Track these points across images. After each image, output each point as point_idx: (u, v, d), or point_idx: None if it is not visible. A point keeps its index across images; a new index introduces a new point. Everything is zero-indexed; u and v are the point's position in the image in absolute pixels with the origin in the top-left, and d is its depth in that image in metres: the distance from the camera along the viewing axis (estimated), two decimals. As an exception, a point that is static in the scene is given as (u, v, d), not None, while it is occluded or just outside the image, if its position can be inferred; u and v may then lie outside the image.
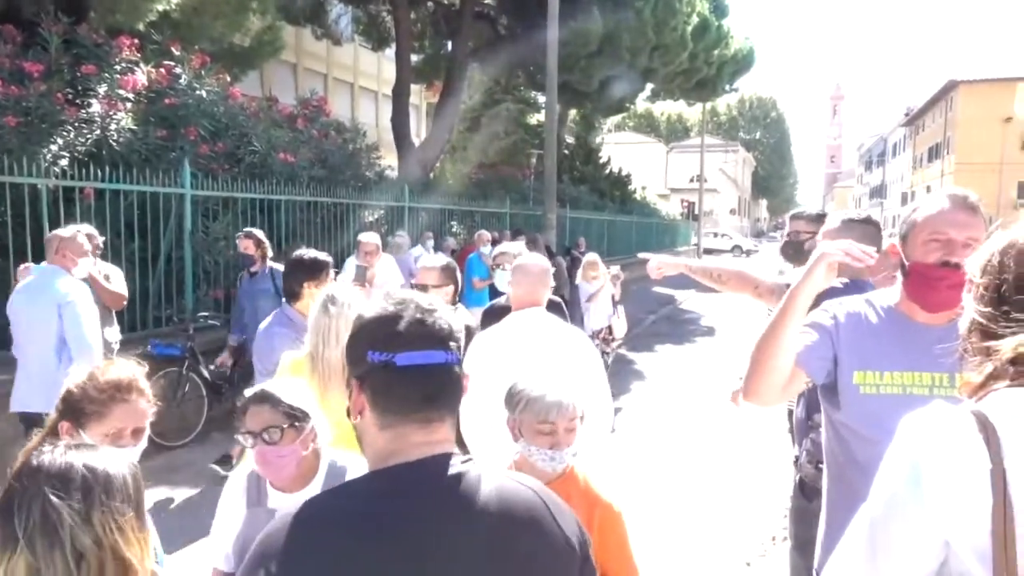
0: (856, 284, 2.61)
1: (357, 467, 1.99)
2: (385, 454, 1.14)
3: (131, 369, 1.91)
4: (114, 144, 6.49)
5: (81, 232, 4.45)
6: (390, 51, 19.59)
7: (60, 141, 6.12)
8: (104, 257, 5.91)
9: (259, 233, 5.85)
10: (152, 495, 4.86)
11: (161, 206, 6.63)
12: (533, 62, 17.92)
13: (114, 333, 5.19)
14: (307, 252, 3.44)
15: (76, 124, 6.32)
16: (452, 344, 1.17)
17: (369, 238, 6.36)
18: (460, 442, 2.90)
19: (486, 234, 9.38)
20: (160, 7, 7.77)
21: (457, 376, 1.19)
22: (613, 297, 7.60)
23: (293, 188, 8.13)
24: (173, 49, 7.63)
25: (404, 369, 1.14)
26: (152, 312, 6.63)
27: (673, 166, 55.47)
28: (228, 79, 8.19)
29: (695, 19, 21.24)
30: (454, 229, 12.93)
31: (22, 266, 4.91)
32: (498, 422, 2.90)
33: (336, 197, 8.87)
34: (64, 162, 6.03)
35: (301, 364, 2.73)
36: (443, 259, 3.46)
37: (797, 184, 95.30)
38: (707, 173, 45.08)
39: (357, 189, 9.67)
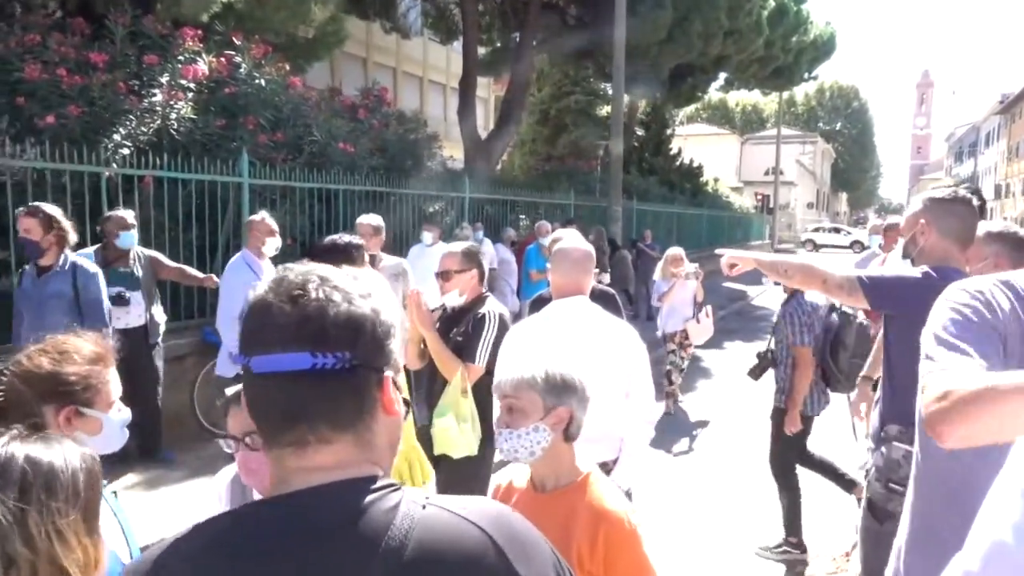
0: (943, 274, 2.28)
1: None
2: (273, 481, 0.92)
3: (87, 340, 1.72)
4: (174, 133, 6.54)
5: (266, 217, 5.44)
6: (458, 44, 19.50)
7: (122, 130, 6.20)
8: (162, 245, 5.98)
9: (51, 209, 4.43)
10: (199, 484, 4.84)
11: (219, 195, 6.65)
12: (602, 52, 17.51)
13: (160, 313, 5.53)
14: (341, 236, 3.29)
15: (138, 114, 6.39)
16: (332, 341, 0.88)
17: (367, 219, 5.61)
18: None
19: (546, 225, 9.15)
20: (224, -1, 7.82)
21: (344, 384, 0.90)
22: (695, 298, 7.18)
23: (352, 178, 8.09)
24: (234, 39, 7.66)
25: (261, 378, 0.90)
26: (209, 300, 6.66)
27: (747, 158, 53.86)
28: (287, 68, 8.16)
29: (771, 3, 20.44)
30: (522, 221, 12.73)
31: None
32: None
33: (395, 187, 8.79)
34: (126, 151, 6.09)
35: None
36: (464, 244, 3.30)
37: (880, 177, 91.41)
38: (783, 165, 43.57)
39: (418, 179, 9.59)
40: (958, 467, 1.56)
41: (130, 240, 5.24)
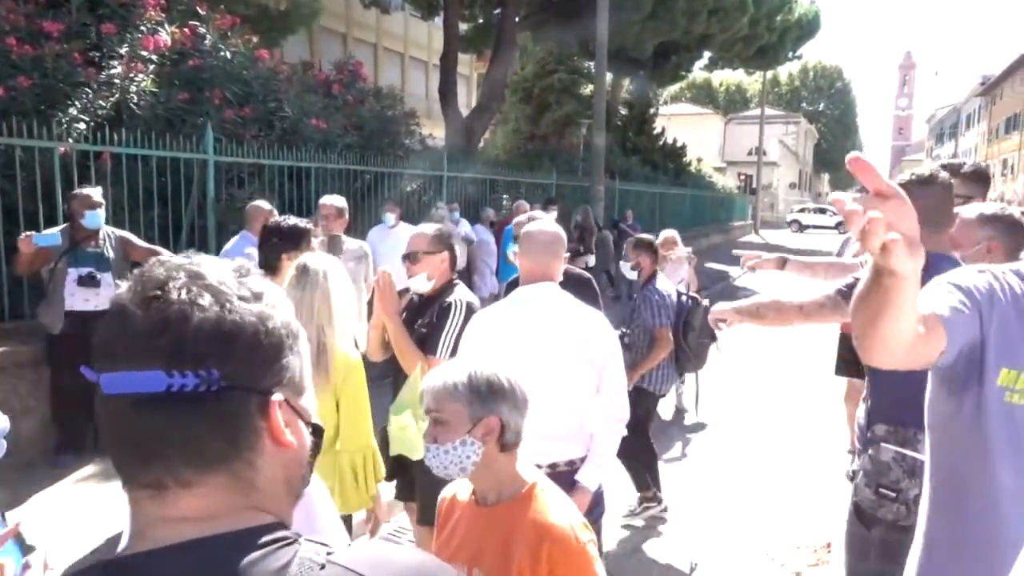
0: (937, 260, 2.10)
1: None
2: (130, 533, 0.74)
3: None
4: (135, 107, 6.24)
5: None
6: (440, 20, 19.10)
7: (78, 104, 5.89)
8: (121, 224, 5.71)
9: None
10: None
11: (183, 172, 6.37)
12: (586, 30, 17.21)
13: None
14: (286, 218, 3.08)
15: (95, 86, 6.08)
16: (194, 356, 0.69)
17: (330, 200, 5.42)
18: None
19: (525, 204, 8.94)
20: (189, -35, 7.48)
21: (209, 412, 0.71)
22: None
23: (325, 156, 7.82)
24: (199, 9, 7.33)
25: (111, 400, 0.70)
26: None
27: (731, 138, 53.77)
28: (254, 41, 7.84)
29: (756, -19, 20.17)
30: (504, 200, 12.48)
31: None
32: None
33: (370, 165, 8.53)
34: (82, 126, 5.80)
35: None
36: (433, 226, 3.05)
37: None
38: (767, 145, 43.50)
39: (394, 157, 9.33)
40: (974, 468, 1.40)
41: (97, 220, 4.98)
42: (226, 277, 0.75)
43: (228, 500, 0.73)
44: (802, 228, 42.26)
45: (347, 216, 5.34)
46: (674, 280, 6.30)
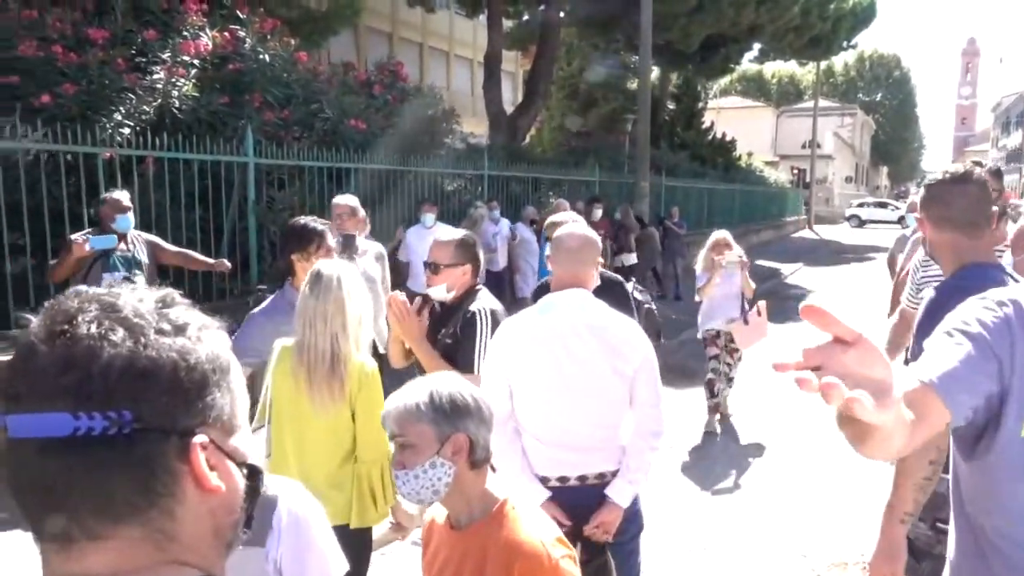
0: (979, 271, 1.91)
1: (290, 496, 1.56)
2: None
3: None
4: (176, 111, 6.33)
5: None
6: (484, 17, 19.08)
7: (122, 109, 6.00)
8: (164, 228, 5.79)
9: None
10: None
11: (223, 175, 6.44)
12: (631, 24, 16.95)
13: None
14: (300, 219, 3.02)
15: (139, 92, 6.19)
16: (102, 396, 0.62)
17: (343, 200, 5.10)
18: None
19: (564, 203, 8.80)
20: (230, -29, 7.58)
21: (120, 457, 0.64)
22: (743, 292, 5.84)
23: (365, 156, 7.85)
24: (240, 13, 7.41)
25: (18, 444, 0.64)
26: (216, 284, 6.50)
27: (784, 131, 52.49)
28: (293, 43, 7.90)
29: (808, -31, 19.61)
30: (550, 198, 12.37)
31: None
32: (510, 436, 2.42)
33: (410, 165, 8.53)
34: (126, 131, 5.90)
35: (288, 353, 2.32)
36: (459, 233, 2.89)
37: (923, 149, 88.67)
38: (821, 138, 42.32)
39: (435, 157, 9.32)
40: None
41: (127, 223, 4.97)
42: (144, 309, 0.68)
43: (143, 554, 0.66)
44: (862, 223, 40.99)
45: (363, 215, 5.15)
46: (728, 288, 5.80)
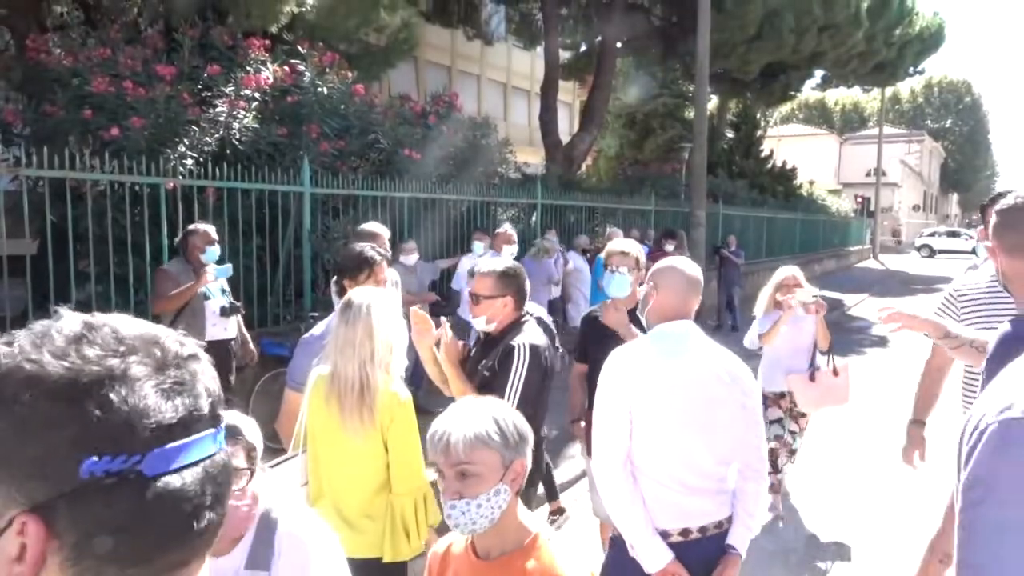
0: None
1: (291, 518, 1.54)
2: None
3: None
4: (237, 143, 6.54)
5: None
6: (542, 49, 19.27)
7: (186, 141, 6.22)
8: (223, 255, 5.93)
9: None
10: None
11: (280, 204, 6.60)
12: (689, 53, 16.89)
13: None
14: (356, 246, 3.05)
15: (202, 124, 6.41)
16: None
17: (367, 227, 4.97)
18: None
19: (618, 232, 8.74)
20: (292, 8, 7.82)
21: None
22: (815, 346, 4.80)
23: (419, 185, 7.95)
24: (299, 48, 7.64)
25: None
26: (271, 310, 6.63)
27: (847, 159, 51.30)
28: (350, 76, 8.09)
29: (871, -6, 19.22)
30: (609, 228, 12.29)
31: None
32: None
33: (462, 194, 8.60)
34: (189, 162, 6.11)
35: (323, 381, 2.33)
36: (504, 263, 2.81)
37: (996, 176, 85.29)
38: (886, 166, 41.25)
39: (489, 186, 9.38)
40: None
41: (215, 255, 5.10)
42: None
43: None
44: (933, 253, 39.56)
45: (384, 241, 5.09)
46: (797, 337, 4.74)
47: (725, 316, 12.76)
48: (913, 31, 22.85)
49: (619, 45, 17.64)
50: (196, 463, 0.64)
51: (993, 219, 1.96)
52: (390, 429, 2.28)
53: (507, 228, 6.36)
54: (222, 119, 6.55)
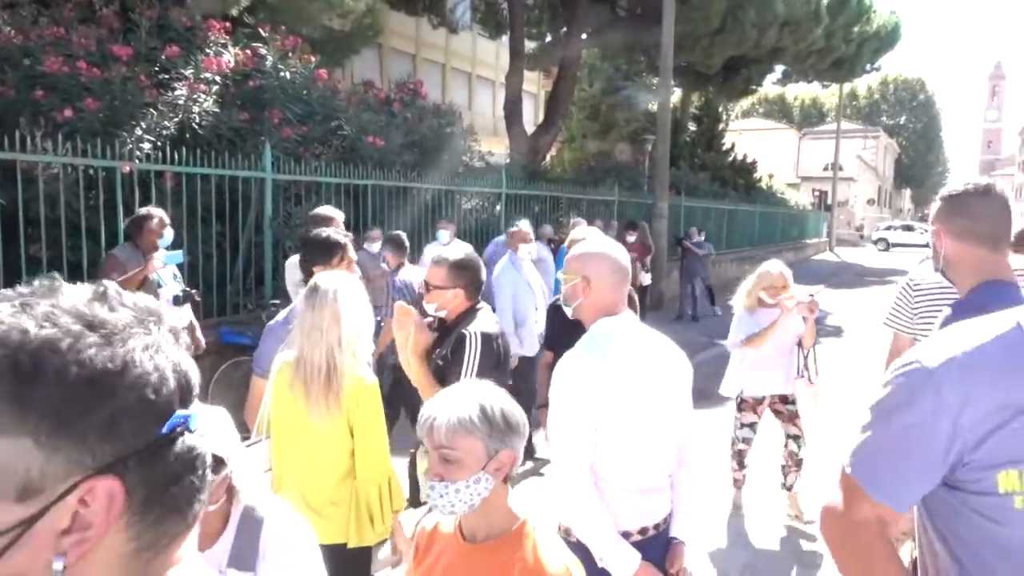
0: (1000, 290, 1.82)
1: (277, 518, 1.52)
2: None
3: None
4: (196, 127, 6.40)
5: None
6: (508, 38, 19.21)
7: (143, 124, 6.07)
8: (180, 242, 5.82)
9: None
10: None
11: (241, 191, 6.49)
12: (653, 45, 17.00)
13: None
14: (322, 231, 3.02)
15: (160, 107, 6.27)
16: None
17: (322, 211, 4.81)
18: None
19: (582, 221, 8.77)
20: (253, -10, 7.69)
21: None
22: (801, 345, 4.54)
23: (383, 173, 7.88)
24: (262, 31, 7.51)
25: None
26: (231, 299, 6.53)
27: (805, 153, 52.24)
28: (313, 61, 7.98)
29: (831, -10, 19.55)
30: (572, 218, 12.34)
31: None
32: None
33: (427, 182, 8.55)
34: (147, 146, 5.97)
35: (288, 366, 2.30)
36: (459, 253, 2.79)
37: (947, 172, 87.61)
38: (843, 160, 42.12)
39: (454, 175, 9.34)
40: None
41: (167, 241, 4.96)
42: None
43: None
44: (889, 247, 40.68)
45: (339, 224, 4.84)
46: (782, 338, 4.44)
47: (686, 306, 12.92)
48: (871, 29, 23.32)
49: (584, 36, 17.66)
50: None
51: (938, 204, 2.01)
52: (356, 414, 2.27)
53: (522, 226, 6.32)
54: (181, 102, 6.40)
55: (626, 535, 2.05)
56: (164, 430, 0.63)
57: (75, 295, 0.64)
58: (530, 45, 19.35)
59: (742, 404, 4.69)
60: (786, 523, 4.64)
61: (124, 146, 5.69)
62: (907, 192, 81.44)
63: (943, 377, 1.13)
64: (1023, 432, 1.08)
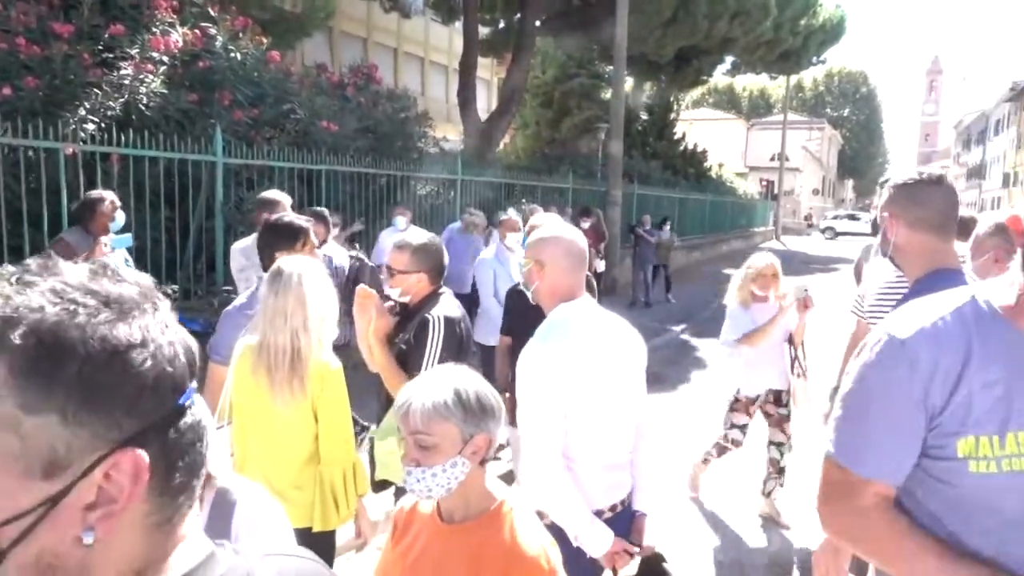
0: (949, 277, 1.87)
1: (250, 501, 1.51)
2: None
3: None
4: (143, 108, 6.21)
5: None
6: (460, 24, 19.05)
7: (87, 105, 5.87)
8: (128, 227, 5.66)
9: None
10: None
11: (191, 175, 6.33)
12: (606, 34, 17.07)
13: None
14: (284, 216, 2.98)
15: (104, 87, 6.06)
16: None
17: (269, 195, 4.55)
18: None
19: (538, 208, 8.80)
20: (203, -31, 7.47)
21: None
22: (791, 339, 4.45)
23: (337, 158, 7.77)
24: (210, 11, 7.31)
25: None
26: (181, 284, 6.38)
27: (753, 143, 53.30)
28: (265, 42, 7.80)
29: (780, -16, 19.91)
30: (523, 205, 12.35)
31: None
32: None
33: (382, 168, 8.47)
34: (90, 127, 5.77)
35: (250, 351, 2.27)
36: (421, 238, 2.81)
37: (887, 164, 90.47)
38: (789, 151, 43.07)
39: (409, 161, 9.26)
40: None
41: (119, 225, 4.79)
42: None
43: None
44: (836, 235, 42.02)
45: (286, 208, 4.81)
46: (778, 336, 4.36)
47: (639, 293, 13.10)
48: (817, 22, 23.85)
49: (538, 23, 17.64)
50: None
51: (891, 192, 2.04)
52: (320, 398, 2.25)
53: (512, 214, 6.28)
54: (127, 82, 6.20)
55: (599, 513, 2.10)
56: (181, 401, 0.65)
57: (77, 272, 0.64)
58: (484, 31, 19.25)
59: (735, 404, 4.53)
60: (759, 522, 4.59)
61: (67, 127, 5.49)
62: (850, 182, 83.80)
63: (915, 347, 1.18)
64: (977, 398, 1.15)
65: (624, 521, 2.19)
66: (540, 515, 2.08)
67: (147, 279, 0.69)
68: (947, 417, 1.17)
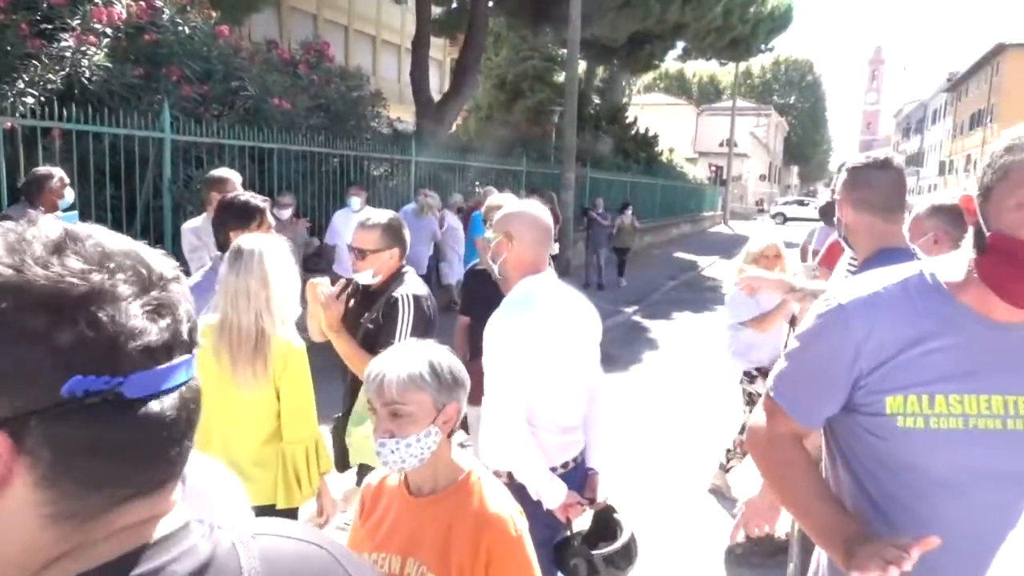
0: (894, 256, 1.98)
1: (201, 474, 1.50)
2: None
3: None
4: (86, 82, 6.01)
5: None
6: (413, 3, 18.79)
7: (25, 77, 5.65)
8: (74, 206, 5.48)
9: None
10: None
11: (137, 151, 6.15)
12: (560, 16, 17.06)
13: None
14: (240, 195, 2.93)
15: (44, 59, 5.84)
16: None
17: (219, 173, 4.33)
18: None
19: (493, 190, 8.81)
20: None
21: None
22: (793, 321, 4.35)
23: (289, 137, 7.64)
24: (157, -18, 7.09)
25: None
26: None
27: (703, 129, 54.04)
28: (214, 16, 7.60)
29: (730, -29, 20.17)
30: (477, 187, 12.34)
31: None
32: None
33: (336, 148, 8.36)
34: (29, 100, 5.56)
35: (210, 330, 2.24)
36: (386, 215, 2.82)
37: (831, 151, 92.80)
38: (738, 137, 43.82)
39: (362, 141, 9.15)
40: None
41: (68, 202, 4.62)
42: None
43: None
44: (785, 220, 43.08)
45: (236, 186, 4.84)
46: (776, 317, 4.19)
47: (592, 275, 13.23)
48: (765, 10, 24.24)
49: (491, 3, 17.54)
50: (174, 388, 0.63)
51: (843, 175, 2.17)
52: (282, 377, 2.24)
53: (457, 199, 6.23)
54: (68, 55, 5.98)
55: (553, 470, 2.27)
56: (64, 393, 0.56)
57: None
58: (437, 10, 19.05)
59: (750, 376, 4.33)
60: (707, 495, 4.72)
61: (4, 100, 5.28)
62: (795, 168, 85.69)
63: (851, 312, 1.31)
64: (912, 363, 1.26)
65: (577, 477, 2.35)
66: (498, 474, 2.17)
67: (123, 247, 0.64)
68: (877, 377, 1.29)
